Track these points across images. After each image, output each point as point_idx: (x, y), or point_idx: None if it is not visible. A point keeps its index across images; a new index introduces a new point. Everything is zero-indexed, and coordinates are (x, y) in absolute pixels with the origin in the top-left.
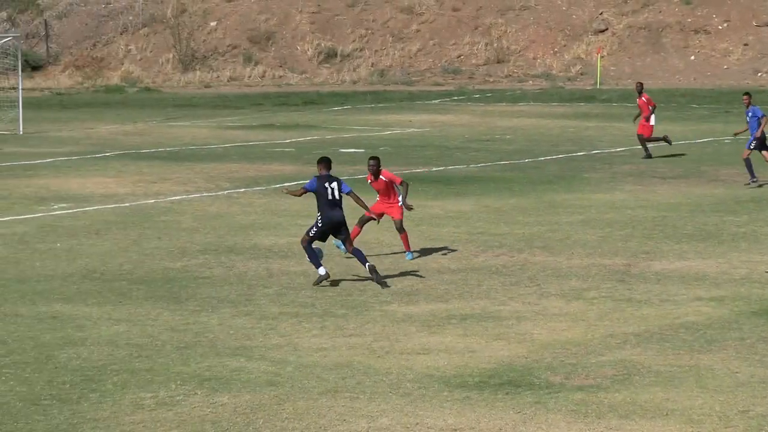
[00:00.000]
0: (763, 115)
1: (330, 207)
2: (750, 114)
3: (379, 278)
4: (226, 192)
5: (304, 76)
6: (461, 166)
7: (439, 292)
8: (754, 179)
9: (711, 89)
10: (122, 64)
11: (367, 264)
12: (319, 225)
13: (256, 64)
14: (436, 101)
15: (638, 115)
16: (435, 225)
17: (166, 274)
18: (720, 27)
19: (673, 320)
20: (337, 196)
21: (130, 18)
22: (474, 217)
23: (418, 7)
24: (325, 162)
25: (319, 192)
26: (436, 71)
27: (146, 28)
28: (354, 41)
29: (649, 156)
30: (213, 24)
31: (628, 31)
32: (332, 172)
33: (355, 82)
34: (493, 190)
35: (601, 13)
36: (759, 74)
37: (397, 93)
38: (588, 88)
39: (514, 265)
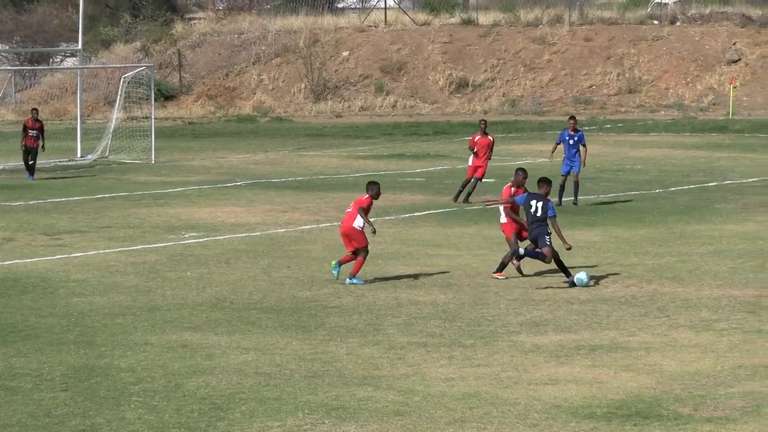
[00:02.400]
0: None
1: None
2: (576, 139)
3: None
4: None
5: (435, 105)
6: (592, 196)
7: (567, 323)
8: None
9: None
10: (254, 93)
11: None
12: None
13: (388, 94)
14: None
15: None
16: (564, 255)
17: (295, 303)
18: None
19: None
20: (540, 213)
21: (263, 48)
22: (604, 248)
23: (550, 37)
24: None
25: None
26: (567, 101)
27: (278, 58)
28: (485, 71)
29: None
30: (345, 54)
31: (762, 62)
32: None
33: (486, 112)
34: (624, 220)
35: (734, 44)
36: None
37: (528, 123)
38: (720, 118)
39: (643, 296)
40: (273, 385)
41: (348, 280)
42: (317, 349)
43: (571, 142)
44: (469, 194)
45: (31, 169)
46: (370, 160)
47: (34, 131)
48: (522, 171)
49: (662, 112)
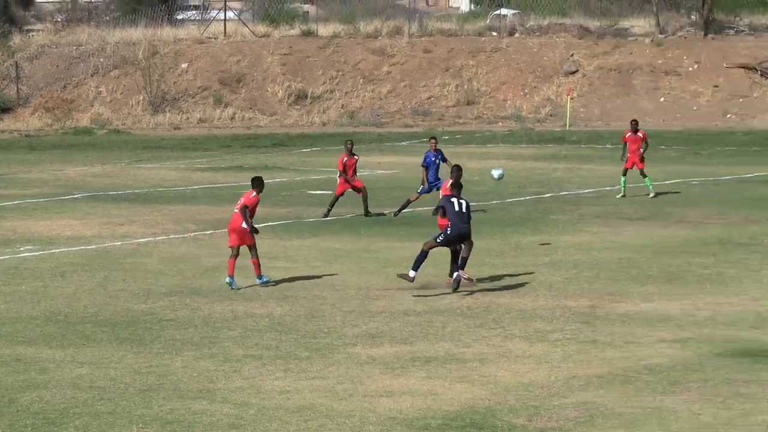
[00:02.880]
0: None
1: (459, 219)
2: (439, 158)
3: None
4: (193, 234)
5: (273, 117)
6: (429, 208)
7: (403, 335)
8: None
9: (680, 131)
10: (92, 105)
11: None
12: (448, 234)
13: (226, 105)
14: (405, 143)
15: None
16: (402, 267)
17: (130, 316)
18: (690, 69)
19: (637, 362)
20: (464, 210)
21: (101, 60)
22: (440, 259)
23: (389, 48)
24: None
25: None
26: (405, 113)
27: (117, 70)
28: (324, 83)
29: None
30: (184, 66)
31: (599, 73)
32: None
33: (324, 124)
34: None
35: (572, 55)
36: (728, 116)
37: (366, 134)
38: (557, 129)
39: (479, 307)
40: (107, 399)
41: (259, 281)
42: (152, 363)
43: (438, 162)
44: (331, 207)
45: None
46: (208, 173)
47: None
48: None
49: (500, 123)
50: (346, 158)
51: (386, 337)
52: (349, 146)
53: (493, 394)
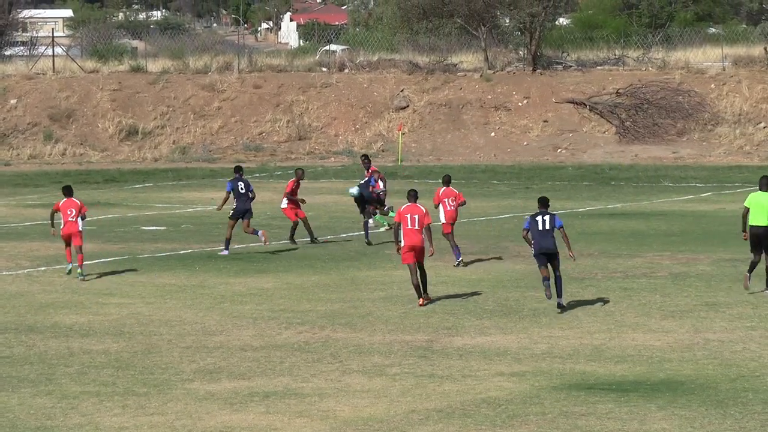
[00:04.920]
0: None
1: (541, 236)
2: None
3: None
4: (26, 271)
5: (105, 153)
6: (262, 244)
7: (241, 370)
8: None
9: (511, 165)
10: None
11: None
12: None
13: (57, 141)
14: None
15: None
16: (237, 302)
17: None
18: (520, 104)
19: (475, 396)
20: (548, 227)
21: None
22: (276, 294)
23: (219, 84)
24: (542, 201)
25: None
26: (237, 148)
27: None
28: (155, 118)
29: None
30: (13, 102)
31: (429, 108)
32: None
33: (156, 160)
34: (295, 267)
35: (402, 90)
36: (558, 150)
37: (199, 170)
38: (390, 164)
39: (316, 341)
40: None
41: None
42: None
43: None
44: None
45: None
46: (39, 209)
47: None
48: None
49: (332, 158)
50: (293, 185)
51: (224, 373)
52: (300, 173)
53: (332, 429)
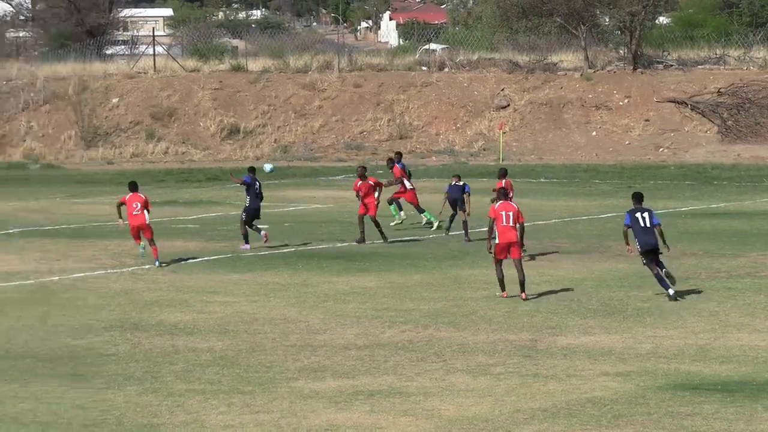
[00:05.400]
0: None
1: (644, 233)
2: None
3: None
4: (130, 269)
5: (207, 152)
6: (366, 242)
7: (345, 368)
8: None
9: (613, 164)
10: (24, 140)
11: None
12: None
13: (159, 140)
14: (339, 177)
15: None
16: (341, 301)
17: (70, 351)
18: (621, 103)
19: (580, 395)
20: (648, 224)
21: (32, 95)
22: (379, 293)
23: (320, 83)
24: (637, 196)
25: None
26: (339, 147)
27: (48, 105)
28: (257, 117)
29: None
30: (115, 101)
31: (530, 107)
32: None
33: (258, 158)
34: (398, 266)
35: (502, 89)
36: (660, 150)
37: (300, 169)
38: (491, 163)
39: (420, 340)
40: None
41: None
42: (95, 398)
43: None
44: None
45: None
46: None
47: None
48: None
49: (433, 157)
50: (360, 182)
51: (328, 371)
52: (361, 172)
53: (437, 428)
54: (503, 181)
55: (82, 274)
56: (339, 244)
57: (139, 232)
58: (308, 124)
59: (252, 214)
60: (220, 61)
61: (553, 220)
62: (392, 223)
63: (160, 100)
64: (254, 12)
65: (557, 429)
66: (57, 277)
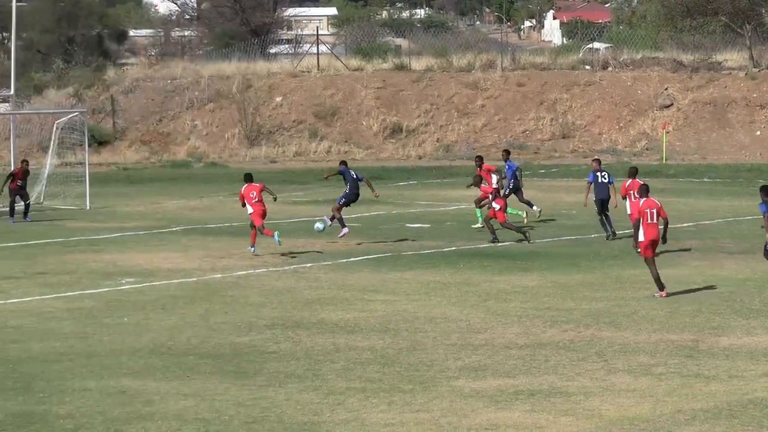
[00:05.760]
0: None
1: None
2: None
3: None
4: (292, 267)
5: (369, 151)
6: (527, 242)
7: (506, 368)
8: None
9: None
10: (188, 139)
11: None
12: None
13: (322, 139)
14: None
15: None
16: (502, 300)
17: (233, 348)
18: None
19: (742, 396)
20: None
21: (196, 93)
22: (541, 293)
23: (482, 82)
24: (764, 189)
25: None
26: (501, 146)
27: (212, 104)
28: (419, 116)
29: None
30: (278, 99)
31: (694, 107)
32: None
33: (420, 157)
34: (560, 265)
35: (666, 89)
36: None
37: (463, 168)
38: (654, 163)
39: (581, 340)
40: (212, 431)
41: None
42: (256, 395)
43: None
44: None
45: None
46: (305, 206)
47: (22, 181)
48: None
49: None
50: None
51: (489, 370)
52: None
53: (598, 428)
54: (630, 181)
55: (245, 272)
56: (500, 244)
57: (264, 216)
58: (471, 123)
59: (350, 201)
60: (383, 60)
61: (717, 220)
62: (474, 226)
63: (323, 99)
64: (418, 11)
65: (718, 430)
66: (220, 275)
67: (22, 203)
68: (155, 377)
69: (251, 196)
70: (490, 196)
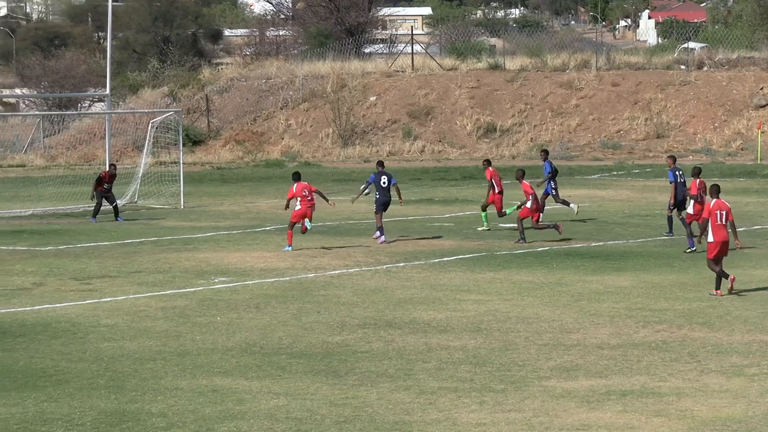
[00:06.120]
0: None
1: None
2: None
3: None
4: (385, 266)
5: (463, 150)
6: (620, 242)
7: (598, 368)
8: None
9: None
10: (282, 138)
11: None
12: None
13: (415, 138)
14: (595, 176)
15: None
16: (595, 300)
17: (325, 348)
18: None
19: None
20: None
21: (290, 93)
22: (633, 293)
23: (577, 82)
24: None
25: None
26: (595, 146)
27: (306, 103)
28: (513, 116)
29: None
30: (372, 99)
31: None
32: None
33: (513, 157)
34: (653, 265)
35: (761, 88)
36: None
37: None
38: (749, 163)
39: (674, 341)
40: (304, 430)
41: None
42: (348, 394)
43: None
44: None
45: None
46: (396, 206)
47: (109, 185)
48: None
49: (690, 157)
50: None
51: (581, 371)
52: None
53: (690, 429)
54: (697, 180)
55: (338, 272)
56: (594, 244)
57: (305, 217)
58: (565, 122)
59: (381, 206)
60: (477, 59)
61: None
62: (479, 228)
63: (417, 98)
64: (512, 10)
65: None
66: (312, 274)
67: (110, 206)
68: (247, 376)
69: (304, 194)
70: (530, 197)
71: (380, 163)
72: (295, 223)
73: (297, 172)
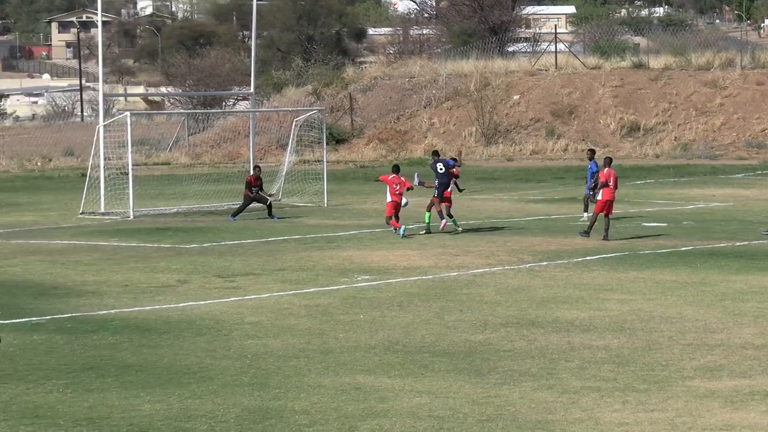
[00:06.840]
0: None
1: None
2: None
3: None
4: (528, 265)
5: (606, 149)
6: (765, 241)
7: (742, 368)
8: None
9: None
10: (425, 137)
11: None
12: None
13: (559, 137)
14: (740, 175)
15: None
16: (739, 300)
17: (467, 346)
18: None
19: None
20: None
21: (434, 92)
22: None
23: (721, 81)
24: None
25: None
26: (739, 145)
27: (449, 102)
28: (657, 115)
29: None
30: (516, 97)
31: None
32: None
33: (657, 156)
34: None
35: None
36: None
37: (700, 167)
38: None
39: None
40: (447, 428)
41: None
42: (490, 393)
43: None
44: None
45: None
46: (541, 204)
47: (256, 188)
48: None
49: None
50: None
51: (725, 371)
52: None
53: None
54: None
55: (481, 270)
56: (738, 243)
57: (397, 210)
58: (709, 122)
59: (440, 191)
60: (621, 58)
61: None
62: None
63: (560, 97)
64: (656, 9)
65: None
66: (455, 273)
67: (264, 205)
68: (390, 374)
69: (395, 187)
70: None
71: (435, 153)
72: (390, 217)
73: (396, 165)
